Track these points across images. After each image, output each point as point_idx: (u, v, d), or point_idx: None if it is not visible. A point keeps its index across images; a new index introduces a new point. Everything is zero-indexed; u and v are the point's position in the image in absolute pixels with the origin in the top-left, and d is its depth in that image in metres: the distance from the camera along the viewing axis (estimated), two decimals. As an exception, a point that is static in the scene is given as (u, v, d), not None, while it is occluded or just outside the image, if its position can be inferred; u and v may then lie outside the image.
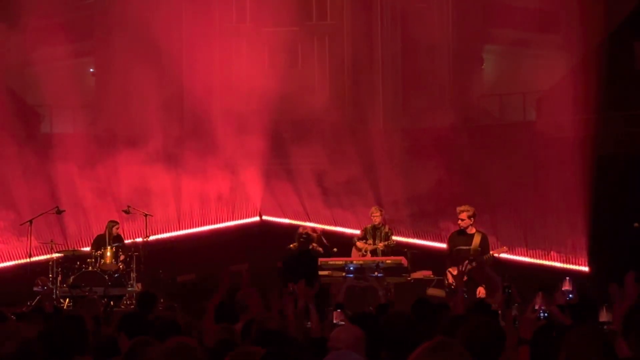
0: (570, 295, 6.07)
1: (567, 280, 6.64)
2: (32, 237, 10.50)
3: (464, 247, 9.01)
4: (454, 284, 8.82)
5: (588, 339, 2.79)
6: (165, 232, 11.30)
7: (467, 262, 8.44)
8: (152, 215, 10.23)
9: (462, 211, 9.02)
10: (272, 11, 11.13)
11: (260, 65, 11.45)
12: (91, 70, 12.43)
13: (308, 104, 10.85)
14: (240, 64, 11.68)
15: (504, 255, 9.51)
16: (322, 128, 11.06)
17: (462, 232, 9.06)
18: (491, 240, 9.30)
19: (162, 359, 2.54)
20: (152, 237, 10.28)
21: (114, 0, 11.47)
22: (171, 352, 2.48)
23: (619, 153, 10.46)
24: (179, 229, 11.51)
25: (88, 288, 9.85)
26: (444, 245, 9.97)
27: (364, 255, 9.78)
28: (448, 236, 9.64)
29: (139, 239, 10.42)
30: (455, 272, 8.75)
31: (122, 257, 10.24)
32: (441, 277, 9.48)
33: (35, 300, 9.28)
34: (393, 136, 11.23)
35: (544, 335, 3.75)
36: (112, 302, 9.77)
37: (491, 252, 9.05)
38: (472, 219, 9.01)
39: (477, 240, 8.97)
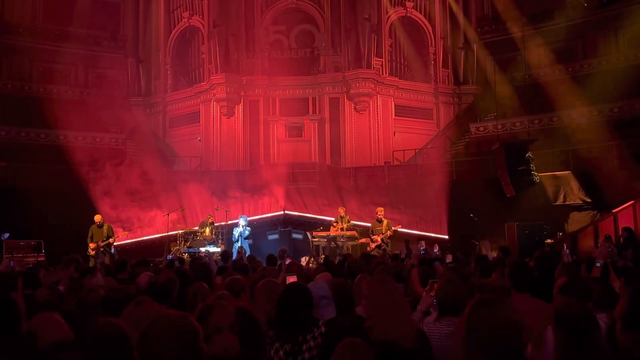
0: (423, 249, 9.57)
1: (423, 242, 11.31)
2: (169, 221, 14.81)
3: (379, 227, 13.06)
4: (370, 244, 12.79)
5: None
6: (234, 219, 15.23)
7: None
8: (228, 210, 15.33)
9: (381, 210, 13.50)
10: (290, 108, 18.68)
11: (282, 138, 18.32)
12: (199, 139, 19.23)
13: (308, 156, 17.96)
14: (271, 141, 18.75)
15: (402, 230, 13.73)
16: (314, 168, 17.81)
17: (379, 220, 13.15)
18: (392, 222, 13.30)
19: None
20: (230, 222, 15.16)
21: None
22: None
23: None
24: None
25: (197, 248, 13.87)
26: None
27: (336, 230, 13.63)
28: (372, 222, 13.58)
29: (223, 223, 14.80)
30: (376, 238, 12.76)
31: (214, 233, 14.27)
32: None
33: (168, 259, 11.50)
34: (348, 172, 17.84)
35: (424, 262, 6.18)
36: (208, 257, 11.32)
37: (393, 228, 12.97)
38: (382, 213, 13.27)
39: (385, 222, 13.02)
